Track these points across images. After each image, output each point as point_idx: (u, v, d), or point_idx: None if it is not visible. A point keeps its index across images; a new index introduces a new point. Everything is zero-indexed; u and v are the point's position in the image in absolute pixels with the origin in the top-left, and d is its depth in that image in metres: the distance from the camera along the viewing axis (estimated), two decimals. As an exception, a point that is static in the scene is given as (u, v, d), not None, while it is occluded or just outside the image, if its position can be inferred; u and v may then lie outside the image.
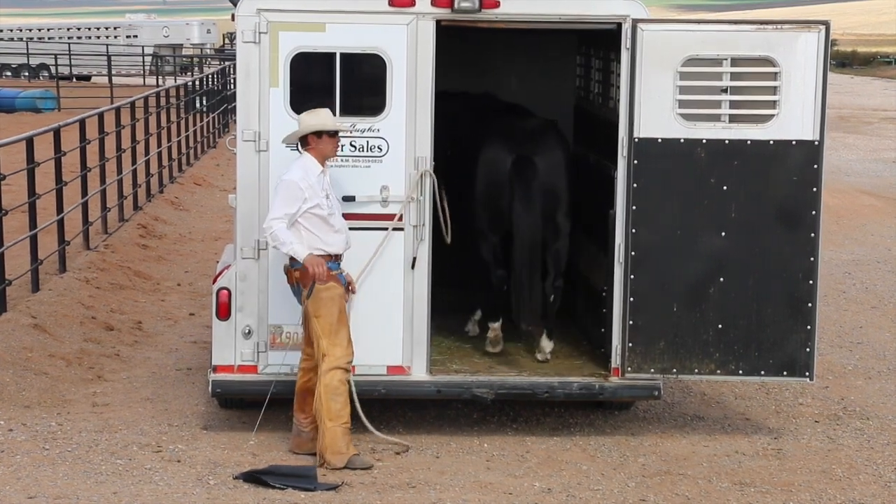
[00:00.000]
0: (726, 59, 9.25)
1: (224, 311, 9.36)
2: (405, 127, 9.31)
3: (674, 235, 9.30)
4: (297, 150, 8.98)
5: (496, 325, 10.26)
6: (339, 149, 9.17)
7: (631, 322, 9.35)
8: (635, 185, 9.26)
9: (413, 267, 9.37)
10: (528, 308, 9.90)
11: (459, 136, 10.40)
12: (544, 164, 9.96)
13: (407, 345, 9.46)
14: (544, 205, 9.94)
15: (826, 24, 9.23)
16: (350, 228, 9.13)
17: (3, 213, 12.35)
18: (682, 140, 9.25)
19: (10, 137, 13.91)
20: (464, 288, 10.89)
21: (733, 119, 9.30)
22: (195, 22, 62.75)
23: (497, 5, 9.30)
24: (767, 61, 9.23)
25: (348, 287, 8.96)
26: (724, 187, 9.26)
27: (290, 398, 9.17)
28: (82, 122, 16.10)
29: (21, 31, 61.16)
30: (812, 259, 9.32)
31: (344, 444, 8.82)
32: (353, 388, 8.90)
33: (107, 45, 52.32)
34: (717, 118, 9.29)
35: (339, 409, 8.79)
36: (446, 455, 9.28)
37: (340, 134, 9.09)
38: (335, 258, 8.91)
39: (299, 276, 8.88)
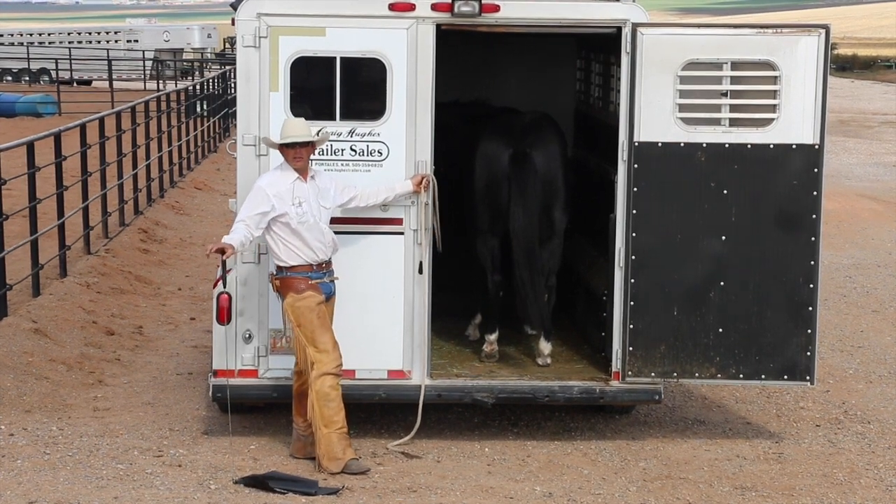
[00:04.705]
0: (726, 63, 9.24)
1: (224, 316, 9.33)
2: (405, 131, 9.31)
3: (674, 239, 9.29)
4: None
5: (492, 337, 10.19)
6: (340, 153, 9.21)
7: (631, 326, 9.34)
8: (635, 189, 9.26)
9: (420, 271, 9.37)
10: (535, 310, 9.83)
11: (454, 145, 10.36)
12: (541, 159, 9.90)
13: (407, 349, 9.46)
14: (541, 200, 9.88)
15: (826, 27, 9.22)
16: (350, 233, 9.13)
17: (3, 217, 12.35)
18: (682, 144, 9.25)
19: (10, 142, 13.90)
20: (464, 291, 10.88)
21: (733, 123, 9.29)
22: (196, 26, 62.92)
23: (497, 9, 9.30)
24: (767, 65, 9.23)
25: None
26: (725, 191, 9.26)
27: (291, 402, 9.18)
28: (83, 127, 16.10)
29: (22, 35, 61.34)
30: (812, 263, 9.31)
31: (340, 449, 8.81)
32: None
33: (107, 49, 52.47)
34: (717, 122, 9.28)
35: (332, 414, 8.79)
36: (447, 459, 9.28)
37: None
38: (317, 267, 8.90)
39: (279, 285, 8.90)
